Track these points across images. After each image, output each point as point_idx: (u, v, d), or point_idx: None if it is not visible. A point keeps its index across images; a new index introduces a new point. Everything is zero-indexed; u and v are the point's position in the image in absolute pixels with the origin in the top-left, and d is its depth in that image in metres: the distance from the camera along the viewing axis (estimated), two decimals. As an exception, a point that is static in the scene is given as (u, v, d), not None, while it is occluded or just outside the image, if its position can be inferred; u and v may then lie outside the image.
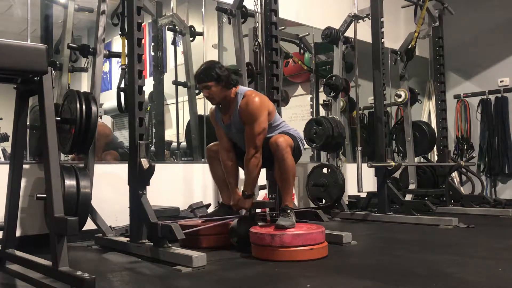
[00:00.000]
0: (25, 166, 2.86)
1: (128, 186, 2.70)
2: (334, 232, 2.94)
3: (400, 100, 4.81)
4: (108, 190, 3.25)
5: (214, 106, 2.95)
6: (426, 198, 4.78)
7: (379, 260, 2.55)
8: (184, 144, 4.54)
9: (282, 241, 2.40)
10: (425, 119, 6.23)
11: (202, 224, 2.88)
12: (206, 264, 2.29)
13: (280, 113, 3.13)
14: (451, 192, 4.75)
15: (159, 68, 4.53)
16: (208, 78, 2.73)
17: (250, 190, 2.80)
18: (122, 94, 3.05)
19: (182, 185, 3.85)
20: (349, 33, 4.68)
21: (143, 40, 2.75)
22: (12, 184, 2.18)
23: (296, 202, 4.56)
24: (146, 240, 2.62)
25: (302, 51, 5.47)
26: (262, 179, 3.65)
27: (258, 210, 3.78)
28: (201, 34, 4.46)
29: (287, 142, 2.69)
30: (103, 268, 2.43)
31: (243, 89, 2.83)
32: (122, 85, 3.05)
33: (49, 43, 3.56)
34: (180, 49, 4.57)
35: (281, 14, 3.55)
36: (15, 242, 2.22)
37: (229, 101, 2.81)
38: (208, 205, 3.53)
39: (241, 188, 2.88)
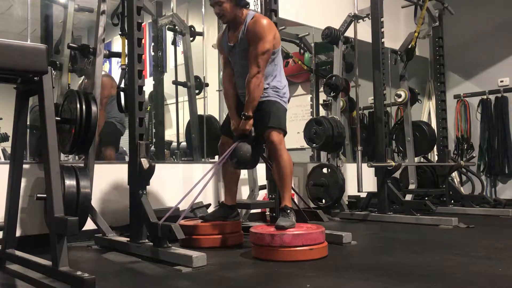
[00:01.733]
0: (25, 166, 2.85)
1: (128, 186, 2.70)
2: (334, 232, 2.94)
3: (400, 100, 4.81)
4: (108, 190, 3.25)
5: (222, 32, 2.97)
6: (426, 198, 4.77)
7: (379, 260, 2.55)
8: (184, 144, 4.54)
9: (282, 241, 2.40)
10: (425, 119, 6.23)
11: (202, 224, 2.88)
12: (206, 264, 2.29)
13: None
14: (451, 192, 4.75)
15: (159, 68, 4.53)
16: None
17: (250, 111, 2.78)
18: (122, 94, 3.04)
19: (182, 185, 3.85)
20: (349, 33, 4.68)
21: (143, 40, 2.75)
22: (12, 184, 2.18)
23: (296, 202, 4.55)
24: (146, 240, 2.62)
25: (302, 51, 5.47)
26: (262, 179, 3.66)
27: (258, 211, 3.78)
28: (201, 34, 4.46)
29: (282, 138, 2.74)
30: (103, 268, 2.43)
31: (253, 12, 2.87)
32: (122, 85, 3.05)
33: (49, 43, 3.56)
34: (180, 49, 4.57)
35: (281, 14, 3.56)
36: (15, 242, 2.22)
37: (239, 22, 2.83)
38: (208, 205, 3.53)
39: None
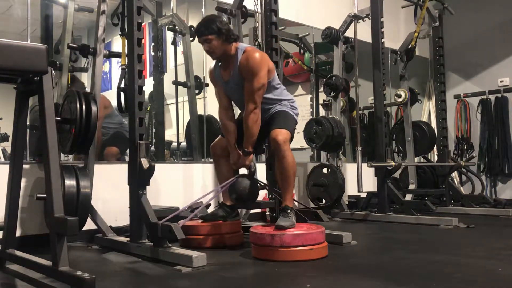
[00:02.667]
0: (25, 166, 2.86)
1: (128, 186, 2.70)
2: (334, 232, 2.94)
3: (400, 100, 4.81)
4: (108, 190, 3.25)
5: (213, 64, 2.94)
6: (426, 198, 4.77)
7: (379, 260, 2.55)
8: (184, 144, 4.54)
9: (282, 241, 2.40)
10: (425, 119, 6.23)
11: (202, 224, 2.88)
12: (206, 264, 2.29)
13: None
14: (451, 192, 4.75)
15: (159, 68, 4.53)
16: (209, 31, 2.72)
17: (249, 146, 2.78)
18: (122, 94, 3.04)
19: (182, 185, 3.85)
20: (349, 33, 4.68)
21: (143, 40, 2.75)
22: (12, 184, 2.18)
23: (296, 202, 4.55)
24: (146, 240, 2.62)
25: (302, 51, 5.46)
26: (262, 179, 3.65)
27: (258, 210, 3.78)
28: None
29: (286, 139, 2.70)
30: (103, 268, 2.43)
31: (243, 45, 2.84)
32: (122, 85, 3.05)
33: (49, 43, 3.56)
34: (180, 49, 4.57)
35: (281, 14, 3.55)
36: (15, 242, 2.22)
37: (229, 57, 2.80)
38: (208, 205, 3.53)
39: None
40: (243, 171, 2.98)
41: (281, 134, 2.70)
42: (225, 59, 2.83)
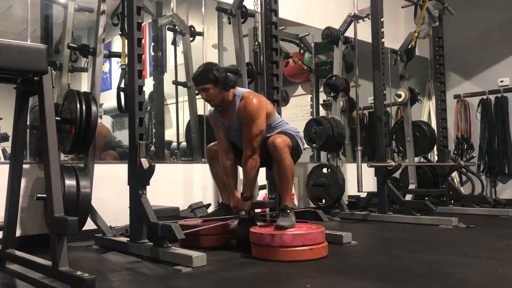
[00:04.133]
0: (25, 166, 2.86)
1: (128, 186, 2.70)
2: (334, 232, 2.94)
3: (400, 100, 4.81)
4: (108, 190, 3.25)
5: (213, 108, 2.95)
6: (426, 198, 4.78)
7: (379, 260, 2.55)
8: (184, 144, 4.54)
9: (282, 241, 2.40)
10: (425, 119, 6.23)
11: (202, 224, 2.88)
12: (206, 264, 2.29)
13: (280, 113, 3.14)
14: (451, 192, 4.75)
15: (159, 68, 4.53)
16: (206, 80, 2.72)
17: (248, 192, 2.79)
18: (122, 94, 3.04)
19: (182, 185, 3.85)
20: (349, 33, 4.68)
21: (143, 40, 2.75)
22: (12, 184, 2.19)
23: (296, 202, 4.55)
24: (146, 240, 2.62)
25: (302, 51, 5.47)
26: (262, 179, 3.65)
27: (258, 210, 3.78)
28: (201, 34, 4.46)
29: (285, 142, 2.69)
30: (103, 268, 2.43)
31: (241, 90, 2.83)
32: (122, 85, 3.05)
33: (49, 43, 3.56)
34: (180, 49, 4.57)
35: (281, 14, 3.55)
36: (15, 242, 2.22)
37: (228, 103, 2.81)
38: (208, 205, 3.54)
39: (240, 190, 2.88)
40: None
41: (279, 137, 2.70)
42: (224, 106, 2.84)
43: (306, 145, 4.65)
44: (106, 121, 4.92)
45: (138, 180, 2.62)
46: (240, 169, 2.97)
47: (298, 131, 2.96)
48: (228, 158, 2.90)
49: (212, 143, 3.07)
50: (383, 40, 4.25)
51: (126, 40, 2.88)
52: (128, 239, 2.75)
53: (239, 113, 2.75)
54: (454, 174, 5.56)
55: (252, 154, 2.73)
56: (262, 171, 3.44)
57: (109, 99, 4.77)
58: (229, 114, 2.83)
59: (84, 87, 4.32)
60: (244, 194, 2.80)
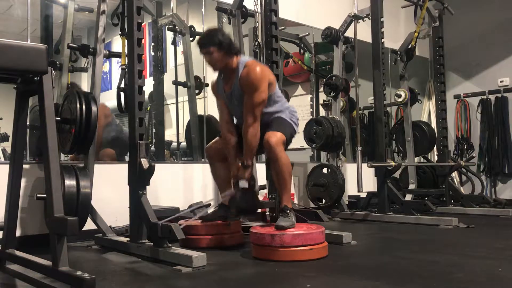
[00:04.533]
0: (25, 166, 2.85)
1: (128, 186, 2.70)
2: (334, 232, 2.94)
3: (400, 100, 4.81)
4: (108, 190, 3.25)
5: (215, 77, 2.95)
6: (426, 198, 4.78)
7: (379, 260, 2.55)
8: (184, 144, 4.54)
9: (282, 241, 2.40)
10: (425, 119, 6.23)
11: (202, 224, 2.88)
12: (206, 264, 2.29)
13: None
14: (451, 192, 4.75)
15: (159, 68, 4.53)
16: (210, 43, 2.73)
17: (248, 160, 2.78)
18: (122, 94, 3.04)
19: (182, 185, 3.85)
20: (349, 33, 4.67)
21: (143, 40, 2.75)
22: (12, 184, 2.18)
23: (296, 202, 4.55)
24: (146, 240, 2.62)
25: (302, 51, 5.47)
26: (262, 179, 3.65)
27: (257, 211, 3.78)
28: (201, 34, 4.45)
29: (279, 140, 2.70)
30: (103, 268, 2.43)
31: (244, 59, 2.84)
32: (122, 85, 3.05)
33: (49, 43, 3.56)
34: (180, 49, 4.57)
35: (281, 14, 3.55)
36: (15, 242, 2.22)
37: (231, 70, 2.81)
38: (208, 205, 3.53)
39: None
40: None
41: (274, 136, 2.70)
42: (227, 72, 2.84)
43: (306, 145, 4.67)
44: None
45: (138, 180, 2.62)
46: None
47: (294, 111, 2.94)
48: (229, 129, 2.91)
49: (210, 143, 3.07)
50: (383, 40, 4.25)
51: (126, 40, 2.88)
52: (128, 239, 2.75)
53: (241, 81, 2.75)
54: (454, 174, 5.56)
55: (253, 123, 2.73)
56: (262, 171, 3.45)
57: (109, 99, 4.77)
58: (231, 81, 2.83)
59: (84, 87, 4.33)
60: (244, 162, 2.79)
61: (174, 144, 4.68)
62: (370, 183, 4.41)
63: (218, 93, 2.95)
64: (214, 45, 2.72)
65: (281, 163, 2.68)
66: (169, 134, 4.76)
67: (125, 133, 3.50)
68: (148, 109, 4.50)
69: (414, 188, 4.93)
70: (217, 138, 3.06)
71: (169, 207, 3.30)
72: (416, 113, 5.85)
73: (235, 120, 2.99)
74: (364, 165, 4.19)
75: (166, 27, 4.50)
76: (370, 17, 4.37)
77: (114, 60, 4.49)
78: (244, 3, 3.81)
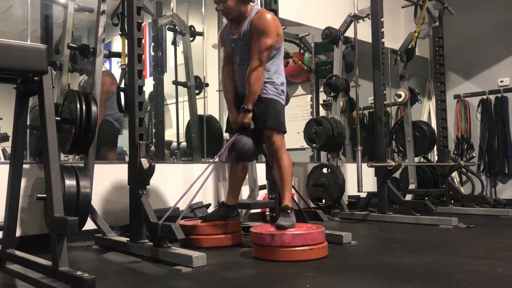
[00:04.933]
0: (25, 166, 2.85)
1: (128, 186, 2.70)
2: (334, 232, 2.94)
3: (400, 100, 4.81)
4: (108, 190, 3.25)
5: (224, 25, 2.97)
6: (426, 198, 4.77)
7: (379, 260, 2.55)
8: (184, 144, 4.54)
9: (282, 241, 2.40)
10: (425, 119, 6.23)
11: (202, 224, 2.88)
12: (206, 264, 2.30)
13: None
14: (451, 192, 4.75)
15: (159, 68, 4.53)
16: None
17: (249, 104, 2.77)
18: (122, 94, 3.04)
19: (182, 185, 3.84)
20: (349, 33, 4.68)
21: (143, 40, 2.75)
22: (12, 184, 2.18)
23: (296, 198, 4.55)
24: (146, 240, 2.62)
25: (302, 51, 5.46)
26: (262, 179, 3.66)
27: (258, 210, 3.79)
28: (201, 34, 4.46)
29: (281, 140, 2.73)
30: (103, 268, 2.43)
31: (257, 7, 2.88)
32: (122, 85, 3.05)
33: (49, 43, 3.56)
34: (180, 49, 4.57)
35: (281, 14, 3.55)
36: (15, 242, 2.22)
37: (243, 17, 2.82)
38: (208, 205, 3.53)
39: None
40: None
41: (275, 135, 2.73)
42: (239, 20, 2.85)
43: (306, 145, 4.67)
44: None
45: (138, 180, 2.62)
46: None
47: (282, 84, 2.88)
48: (229, 76, 2.95)
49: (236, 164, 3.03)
50: (383, 40, 4.25)
51: (126, 40, 2.88)
52: (128, 239, 2.75)
53: (252, 24, 2.76)
54: (454, 174, 5.56)
55: (258, 66, 2.73)
56: (262, 171, 3.45)
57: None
58: (241, 26, 2.84)
59: (84, 87, 4.32)
60: (244, 106, 2.78)
61: (174, 144, 4.68)
62: (370, 183, 4.41)
63: (225, 39, 2.97)
64: None
65: (284, 163, 2.71)
66: (169, 134, 4.76)
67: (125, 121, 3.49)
68: (148, 109, 4.50)
69: (414, 188, 4.93)
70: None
71: (169, 207, 3.30)
72: (416, 113, 5.85)
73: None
74: (364, 165, 4.19)
75: (166, 27, 4.50)
76: (370, 17, 4.37)
77: (114, 60, 4.49)
78: (244, 3, 3.80)
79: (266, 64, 2.79)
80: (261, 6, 3.40)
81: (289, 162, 2.73)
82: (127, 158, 3.06)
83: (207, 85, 4.44)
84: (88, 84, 3.19)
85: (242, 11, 2.80)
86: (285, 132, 2.83)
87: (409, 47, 4.75)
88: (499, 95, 6.03)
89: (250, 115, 2.78)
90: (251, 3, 2.84)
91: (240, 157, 2.79)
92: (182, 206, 2.78)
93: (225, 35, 2.97)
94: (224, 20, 4.21)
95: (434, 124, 5.65)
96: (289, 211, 2.66)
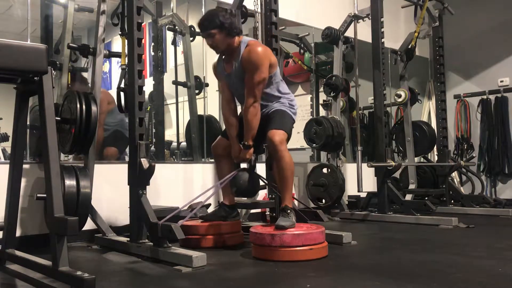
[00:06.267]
0: (25, 166, 2.86)
1: (128, 186, 2.70)
2: (334, 232, 2.94)
3: (400, 100, 4.81)
4: (108, 190, 3.25)
5: (216, 59, 2.96)
6: (426, 198, 4.77)
7: (379, 260, 2.55)
8: (184, 144, 4.54)
9: (282, 241, 2.40)
10: (425, 119, 6.23)
11: (202, 224, 2.88)
12: (206, 264, 2.29)
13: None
14: (451, 192, 4.75)
15: (159, 68, 4.53)
16: (212, 25, 2.74)
17: (249, 140, 2.79)
18: (122, 94, 3.04)
19: (182, 185, 3.85)
20: (349, 33, 4.68)
21: (143, 40, 2.75)
22: (12, 184, 2.18)
23: (296, 202, 4.55)
24: (146, 240, 2.62)
25: (302, 51, 5.46)
26: (262, 179, 3.65)
27: (257, 210, 3.78)
28: (201, 34, 4.45)
29: (283, 139, 2.71)
30: (103, 268, 2.43)
31: (247, 38, 2.85)
32: (122, 85, 3.05)
33: (49, 43, 3.56)
34: (180, 49, 4.57)
35: (281, 14, 3.55)
36: (15, 242, 2.22)
37: (233, 50, 2.81)
38: (208, 205, 3.53)
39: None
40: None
41: (277, 135, 2.71)
42: (229, 53, 2.84)
43: (306, 145, 4.67)
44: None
45: (138, 180, 2.62)
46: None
47: (292, 100, 2.93)
48: (230, 109, 2.93)
49: (216, 141, 3.07)
50: (383, 40, 4.25)
51: (126, 40, 2.88)
52: (128, 239, 2.75)
53: (243, 59, 2.75)
54: (454, 174, 5.56)
55: (253, 102, 2.74)
56: (262, 171, 3.45)
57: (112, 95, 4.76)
58: (232, 60, 2.84)
59: (84, 87, 4.32)
60: (245, 143, 2.79)
61: (174, 144, 4.68)
62: (370, 183, 4.41)
63: (219, 74, 2.96)
64: (216, 27, 2.73)
65: (285, 162, 2.69)
66: (169, 134, 4.76)
67: (126, 124, 3.51)
68: (148, 109, 4.50)
69: (414, 188, 4.92)
70: (219, 136, 3.06)
71: (169, 207, 3.30)
72: (416, 113, 5.85)
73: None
74: (364, 165, 4.19)
75: (166, 27, 4.50)
76: (370, 17, 4.37)
77: (114, 60, 4.49)
78: (244, 3, 3.80)
79: (267, 90, 2.80)
80: (261, 6, 3.40)
81: (291, 162, 2.71)
82: (127, 158, 3.06)
83: (207, 85, 4.44)
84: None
85: (231, 44, 2.79)
86: (288, 134, 2.80)
87: (409, 47, 4.75)
88: (499, 95, 6.03)
89: (251, 151, 2.83)
90: (238, 36, 2.81)
91: (241, 194, 2.81)
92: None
93: (219, 70, 2.95)
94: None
95: (434, 124, 5.65)
96: (288, 211, 2.66)
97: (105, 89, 4.37)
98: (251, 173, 2.86)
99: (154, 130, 4.62)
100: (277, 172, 2.77)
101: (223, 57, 2.91)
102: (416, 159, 5.14)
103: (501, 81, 6.02)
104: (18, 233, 2.50)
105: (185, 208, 3.09)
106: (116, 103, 3.96)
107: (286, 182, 2.74)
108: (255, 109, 2.75)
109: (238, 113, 3.01)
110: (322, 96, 5.13)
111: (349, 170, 4.84)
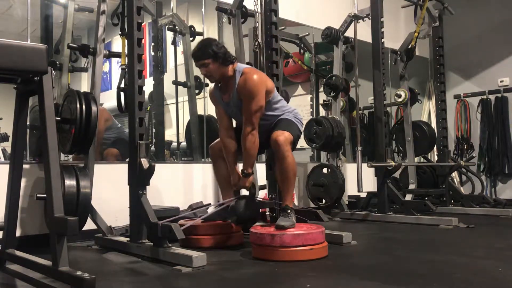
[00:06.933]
0: (25, 166, 2.86)
1: (128, 186, 2.70)
2: (334, 232, 2.94)
3: (400, 100, 4.81)
4: (108, 190, 3.25)
5: (213, 85, 2.95)
6: (426, 198, 4.77)
7: (379, 260, 2.55)
8: (184, 144, 4.54)
9: (282, 241, 2.40)
10: (425, 119, 6.23)
11: (202, 224, 2.88)
12: (206, 264, 2.29)
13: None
14: (451, 192, 4.75)
15: (159, 68, 4.53)
16: (205, 55, 2.73)
17: (248, 168, 2.79)
18: (122, 94, 3.04)
19: (182, 185, 3.85)
20: (349, 33, 4.68)
21: (143, 40, 2.75)
22: (12, 184, 2.18)
23: (296, 202, 4.55)
24: (146, 240, 2.62)
25: (302, 51, 5.47)
26: (262, 179, 3.66)
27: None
28: (201, 34, 4.46)
29: (287, 140, 2.70)
30: (103, 268, 2.43)
31: (241, 66, 2.83)
32: (122, 85, 3.05)
33: (49, 43, 3.56)
34: (180, 49, 4.57)
35: (281, 14, 3.55)
36: (15, 242, 2.22)
37: (228, 79, 2.81)
38: (208, 205, 3.53)
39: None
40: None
41: (282, 135, 2.70)
42: (224, 81, 2.85)
43: (306, 145, 4.68)
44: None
45: (138, 180, 2.62)
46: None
47: (297, 112, 2.96)
48: (229, 135, 2.91)
49: (214, 142, 3.07)
50: (383, 40, 4.25)
51: (126, 40, 2.88)
52: (128, 239, 2.75)
53: (239, 89, 2.75)
54: (454, 174, 5.56)
55: (251, 130, 2.74)
56: (262, 171, 3.45)
57: (109, 99, 4.77)
58: (229, 89, 2.83)
59: (84, 87, 4.33)
60: (244, 171, 2.79)
61: (174, 144, 4.68)
62: (370, 183, 4.41)
63: (217, 102, 2.95)
64: (209, 57, 2.73)
65: (287, 162, 2.68)
66: (169, 134, 4.76)
67: (126, 135, 3.51)
68: (148, 109, 4.50)
69: (414, 188, 4.92)
70: (219, 139, 3.06)
71: (169, 207, 3.30)
72: (416, 113, 5.85)
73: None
74: (364, 165, 4.19)
75: (166, 27, 4.50)
76: (370, 17, 4.37)
77: (114, 60, 4.49)
78: (244, 3, 3.81)
79: (268, 112, 2.81)
80: (261, 6, 3.40)
81: (293, 163, 2.69)
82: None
83: (207, 85, 4.43)
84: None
85: (225, 73, 2.78)
86: (294, 137, 2.78)
87: (409, 47, 4.75)
88: (499, 95, 6.03)
89: (251, 179, 2.82)
90: (232, 64, 2.80)
91: (240, 222, 2.81)
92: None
93: (216, 97, 2.94)
94: (224, 20, 4.24)
95: (434, 124, 5.65)
96: (289, 211, 2.66)
97: (101, 107, 4.36)
98: (251, 200, 2.84)
99: (154, 130, 4.62)
100: (279, 172, 2.76)
101: (219, 85, 2.91)
102: (416, 159, 5.14)
103: (501, 81, 6.02)
104: (18, 233, 2.50)
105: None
106: (113, 118, 4.02)
107: (287, 183, 2.73)
108: (253, 137, 2.75)
109: None
110: (322, 96, 5.12)
111: (349, 170, 4.84)
